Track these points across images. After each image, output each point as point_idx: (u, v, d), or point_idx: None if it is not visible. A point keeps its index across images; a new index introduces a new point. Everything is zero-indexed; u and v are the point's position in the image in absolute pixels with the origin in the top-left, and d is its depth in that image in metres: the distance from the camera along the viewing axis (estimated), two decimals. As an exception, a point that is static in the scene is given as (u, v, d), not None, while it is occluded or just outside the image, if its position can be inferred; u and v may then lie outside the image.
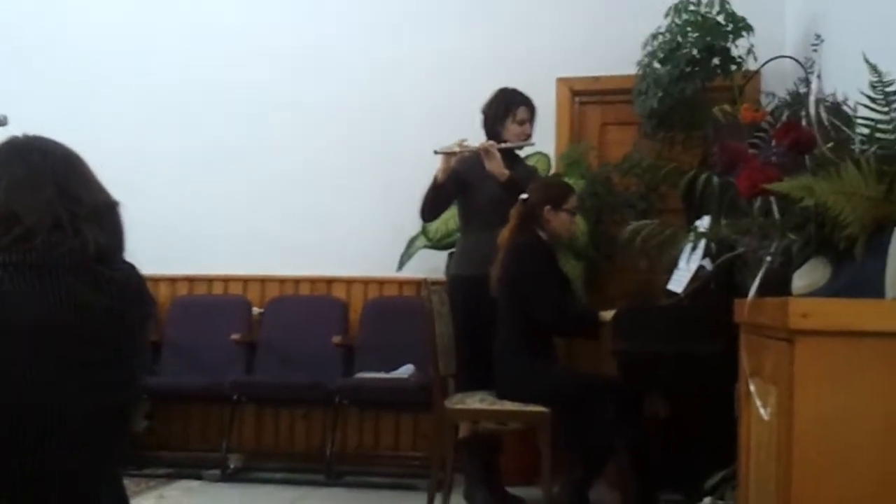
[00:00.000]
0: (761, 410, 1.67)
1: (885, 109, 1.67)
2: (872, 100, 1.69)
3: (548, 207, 4.11)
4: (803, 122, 1.76)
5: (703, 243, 3.49)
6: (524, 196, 4.14)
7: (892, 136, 1.67)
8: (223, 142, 5.73)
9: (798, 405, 1.44)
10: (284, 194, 5.65)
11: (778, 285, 1.86)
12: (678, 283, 3.97)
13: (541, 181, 4.35)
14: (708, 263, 3.51)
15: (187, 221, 5.71)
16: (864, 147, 1.69)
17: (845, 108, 1.89)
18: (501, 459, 4.45)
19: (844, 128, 1.73)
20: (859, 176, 1.55)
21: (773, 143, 1.73)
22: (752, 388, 1.75)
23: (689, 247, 3.58)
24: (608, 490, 4.32)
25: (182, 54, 5.84)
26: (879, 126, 1.70)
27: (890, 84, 1.66)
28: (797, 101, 2.44)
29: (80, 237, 1.66)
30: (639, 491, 3.97)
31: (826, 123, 1.69)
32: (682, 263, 3.83)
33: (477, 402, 3.99)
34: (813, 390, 1.45)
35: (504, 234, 4.12)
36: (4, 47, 5.96)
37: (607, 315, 3.84)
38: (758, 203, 1.76)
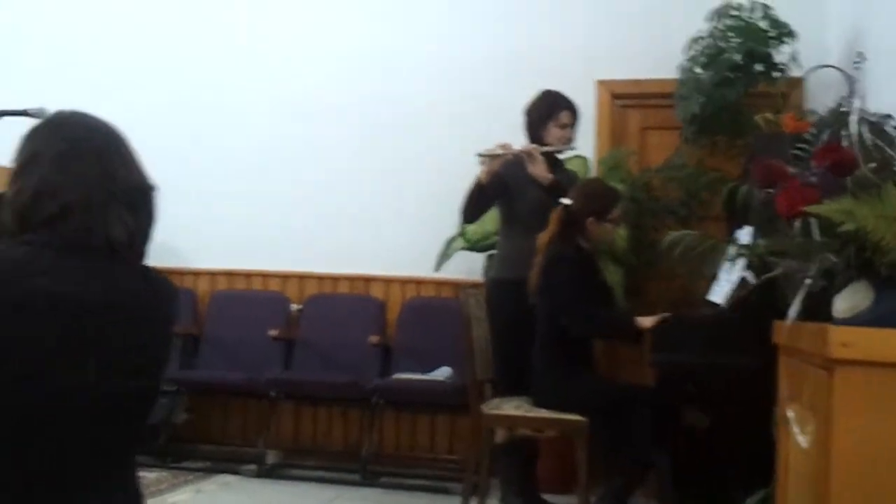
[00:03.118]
0: (799, 438, 1.65)
1: (932, 133, 1.64)
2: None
3: (591, 219, 4.05)
4: (845, 142, 1.73)
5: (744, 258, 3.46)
6: (567, 201, 4.09)
7: (937, 160, 1.64)
8: (270, 141, 5.78)
9: (836, 436, 1.42)
10: (326, 192, 5.68)
11: (819, 307, 1.84)
12: (719, 293, 3.93)
13: (586, 187, 4.26)
14: (750, 275, 3.47)
15: (228, 216, 5.77)
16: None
17: (888, 129, 1.86)
18: (538, 466, 4.45)
19: (887, 148, 1.70)
20: (902, 200, 1.52)
21: (813, 163, 1.71)
22: (789, 414, 1.74)
23: (730, 261, 3.55)
24: (646, 501, 4.30)
25: (233, 55, 5.90)
26: (924, 149, 1.67)
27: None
28: (838, 118, 2.41)
29: (112, 221, 1.64)
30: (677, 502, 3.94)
31: (868, 143, 1.66)
32: (723, 274, 3.79)
33: (513, 408, 3.98)
34: (852, 422, 1.43)
35: (543, 238, 4.08)
36: (56, 42, 6.06)
37: (645, 321, 3.80)
38: (798, 223, 1.74)
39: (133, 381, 1.66)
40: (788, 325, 1.74)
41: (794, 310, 1.74)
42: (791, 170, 1.82)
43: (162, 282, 1.74)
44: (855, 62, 1.74)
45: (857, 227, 1.55)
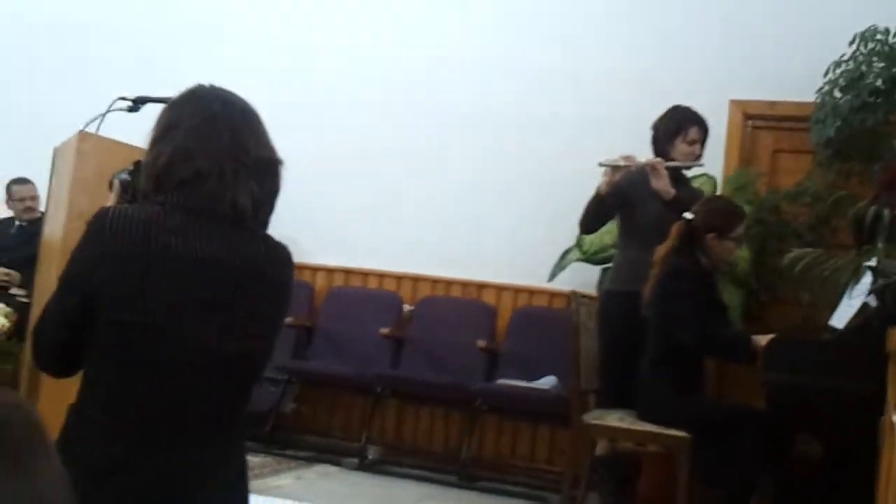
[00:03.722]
0: (905, 442, 1.57)
1: None
2: None
3: (712, 235, 3.96)
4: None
5: (869, 279, 3.33)
6: (689, 216, 4.01)
7: None
8: (395, 145, 5.86)
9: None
10: (446, 197, 5.74)
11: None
12: (840, 318, 3.79)
13: (710, 203, 4.18)
14: (873, 300, 3.34)
15: (350, 216, 5.87)
16: None
17: None
18: (638, 484, 4.36)
19: None
20: None
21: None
22: (894, 419, 1.65)
23: (854, 282, 3.43)
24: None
25: (368, 56, 6.01)
26: None
27: None
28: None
29: (240, 189, 1.72)
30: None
31: None
32: (845, 299, 3.66)
33: (616, 419, 3.92)
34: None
35: (661, 251, 4.00)
36: (192, 37, 6.31)
37: (762, 339, 3.69)
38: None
39: (249, 342, 1.73)
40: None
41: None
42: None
43: (280, 249, 1.81)
44: None
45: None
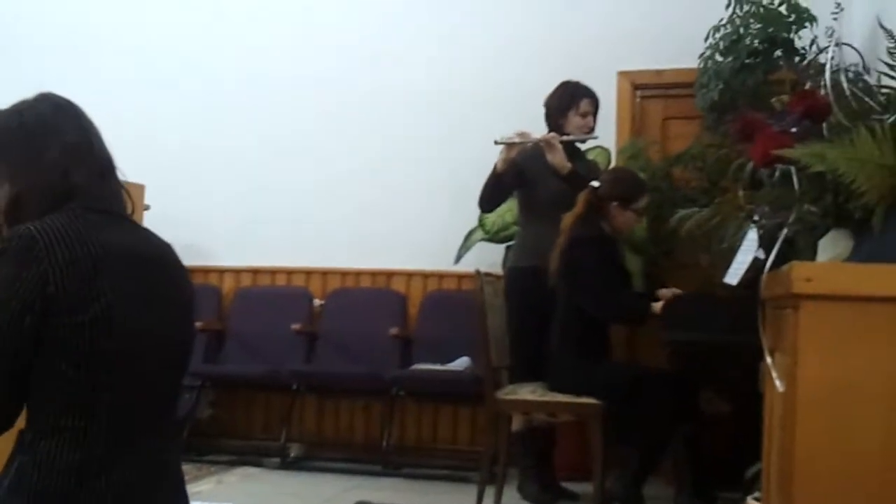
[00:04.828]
0: (777, 383, 1.63)
1: (905, 76, 1.62)
2: (891, 67, 1.65)
3: (615, 204, 4.06)
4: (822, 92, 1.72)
5: (756, 234, 3.43)
6: (596, 184, 4.10)
7: (913, 104, 1.63)
8: (292, 139, 5.82)
9: (801, 371, 1.41)
10: (348, 188, 5.71)
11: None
12: (734, 275, 3.89)
13: (616, 173, 4.28)
14: (762, 254, 3.45)
15: (253, 215, 5.81)
16: (884, 116, 1.65)
17: (868, 78, 1.85)
18: (557, 454, 4.43)
19: (866, 97, 1.68)
20: (873, 143, 1.51)
21: (788, 109, 1.70)
22: (769, 361, 1.72)
23: (744, 240, 3.52)
24: (663, 485, 4.27)
25: (249, 47, 5.94)
26: (899, 94, 1.66)
27: (908, 50, 1.62)
28: (819, 70, 2.40)
29: (119, 189, 1.79)
30: (694, 487, 3.91)
31: (847, 93, 1.65)
32: (738, 256, 3.77)
33: (528, 393, 3.97)
34: (816, 355, 1.41)
35: (567, 220, 4.05)
36: (70, 41, 6.09)
37: (666, 293, 3.79)
38: (777, 174, 1.73)
39: (185, 328, 1.81)
40: (766, 277, 1.73)
41: (770, 259, 1.73)
42: (768, 120, 1.82)
43: (167, 242, 1.86)
44: (833, 13, 1.74)
45: (830, 170, 1.54)
